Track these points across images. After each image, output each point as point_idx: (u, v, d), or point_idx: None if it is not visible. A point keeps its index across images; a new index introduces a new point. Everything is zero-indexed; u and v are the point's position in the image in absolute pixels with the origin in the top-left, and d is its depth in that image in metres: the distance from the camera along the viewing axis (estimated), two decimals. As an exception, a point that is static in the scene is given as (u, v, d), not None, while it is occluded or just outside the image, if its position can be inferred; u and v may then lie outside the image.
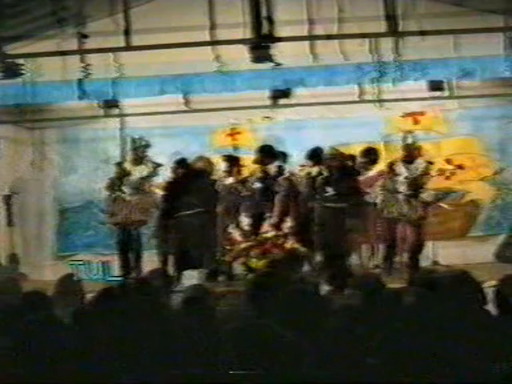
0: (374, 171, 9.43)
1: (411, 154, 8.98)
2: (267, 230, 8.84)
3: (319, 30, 8.03)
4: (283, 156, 9.31)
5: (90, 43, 7.84)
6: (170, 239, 8.92)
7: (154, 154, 9.65)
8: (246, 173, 9.41)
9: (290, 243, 8.70)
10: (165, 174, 9.44)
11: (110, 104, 9.98)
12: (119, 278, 8.53)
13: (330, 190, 8.61)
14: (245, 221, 9.06)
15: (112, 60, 8.43)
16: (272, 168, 9.13)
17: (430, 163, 9.07)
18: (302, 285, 5.14)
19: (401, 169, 8.90)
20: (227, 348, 2.97)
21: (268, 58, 7.62)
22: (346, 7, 8.22)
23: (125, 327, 3.73)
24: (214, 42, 7.83)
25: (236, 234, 9.00)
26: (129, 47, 7.58)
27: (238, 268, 8.95)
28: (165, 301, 5.11)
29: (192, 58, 8.15)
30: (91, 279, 8.57)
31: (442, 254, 9.59)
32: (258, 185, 9.11)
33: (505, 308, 4.26)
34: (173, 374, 3.24)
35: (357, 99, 9.81)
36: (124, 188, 9.48)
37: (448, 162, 10.38)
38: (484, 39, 8.17)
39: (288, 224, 8.86)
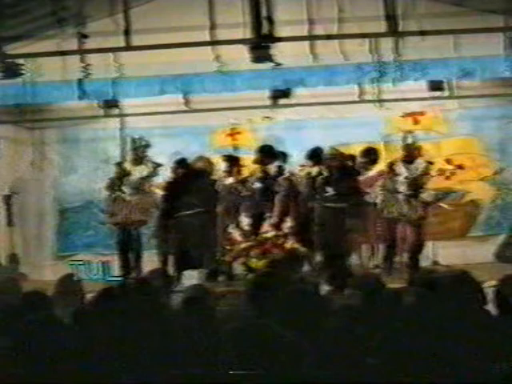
0: (373, 171, 9.43)
1: (411, 154, 8.98)
2: (267, 230, 8.84)
3: (319, 30, 8.03)
4: (283, 156, 9.31)
5: (90, 43, 7.84)
6: (170, 239, 8.92)
7: (154, 154, 9.65)
8: (246, 173, 9.41)
9: (290, 243, 8.70)
10: (165, 174, 9.44)
11: (110, 104, 9.98)
12: (119, 278, 8.53)
13: (330, 190, 8.61)
14: (245, 221, 9.06)
15: (112, 60, 8.43)
16: (272, 168, 9.12)
17: (430, 163, 9.07)
18: (302, 285, 5.14)
19: (401, 169, 8.90)
20: (227, 348, 2.97)
21: (268, 58, 7.62)
22: (346, 7, 8.22)
23: (125, 327, 3.73)
24: (214, 42, 7.82)
25: (236, 234, 9.00)
26: (129, 47, 7.58)
27: (238, 268, 8.94)
28: (165, 301, 5.11)
29: (192, 57, 8.15)
30: (91, 279, 8.57)
31: (442, 253, 9.59)
32: (257, 185, 9.11)
33: (505, 308, 4.26)
34: (173, 373, 3.24)
35: (357, 99, 9.81)
36: (124, 188, 9.48)
37: (448, 162, 10.38)
38: (484, 39, 8.17)
39: (288, 224, 8.86)
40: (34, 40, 8.81)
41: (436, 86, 9.57)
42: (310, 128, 10.50)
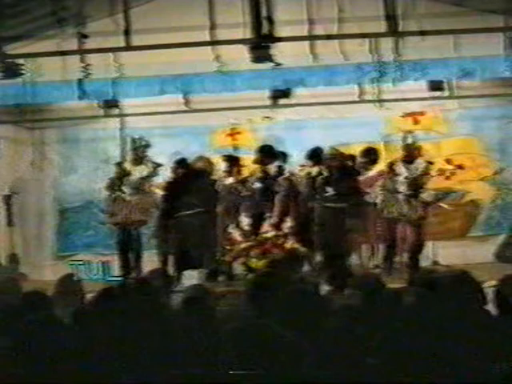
0: (373, 171, 9.43)
1: (411, 154, 8.98)
2: (267, 230, 8.84)
3: (319, 30, 8.03)
4: (283, 156, 9.31)
5: (90, 43, 7.84)
6: (170, 239, 8.92)
7: (154, 154, 9.65)
8: (246, 173, 9.41)
9: (290, 243, 8.70)
10: (165, 174, 9.44)
11: (110, 104, 9.98)
12: (119, 278, 8.53)
13: (330, 190, 8.61)
14: (245, 221, 9.06)
15: (112, 60, 8.43)
16: (272, 168, 9.12)
17: (430, 163, 9.07)
18: (302, 285, 5.14)
19: (401, 169, 8.90)
20: (227, 348, 2.97)
21: (268, 58, 7.62)
22: (346, 7, 8.22)
23: (125, 327, 3.73)
24: (213, 42, 7.82)
25: (236, 234, 9.00)
26: (129, 47, 7.58)
27: (238, 268, 8.94)
28: (165, 301, 5.11)
29: (192, 57, 8.15)
30: (91, 279, 8.57)
31: (442, 253, 9.59)
32: (257, 185, 9.11)
33: (505, 308, 4.26)
34: (173, 373, 3.24)
35: (357, 99, 9.80)
36: (124, 188, 9.48)
37: (448, 162, 10.38)
38: (484, 39, 8.17)
39: (288, 224, 8.86)
40: (34, 40, 8.81)
41: (436, 85, 9.57)
42: (310, 128, 10.50)
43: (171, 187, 9.04)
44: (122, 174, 9.54)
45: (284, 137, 10.24)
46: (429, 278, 4.93)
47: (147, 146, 9.61)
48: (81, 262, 9.30)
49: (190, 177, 8.91)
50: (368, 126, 10.19)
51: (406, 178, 8.81)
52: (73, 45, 7.94)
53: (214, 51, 8.11)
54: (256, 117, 10.51)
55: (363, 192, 9.03)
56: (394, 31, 7.55)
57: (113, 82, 8.95)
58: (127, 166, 9.65)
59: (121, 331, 3.67)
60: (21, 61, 8.24)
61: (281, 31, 7.36)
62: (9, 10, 8.00)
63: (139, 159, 9.58)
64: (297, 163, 9.43)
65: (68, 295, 5.24)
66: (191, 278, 8.38)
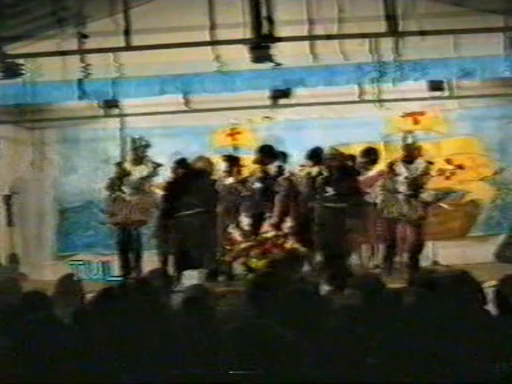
0: (373, 171, 9.43)
1: (411, 154, 8.98)
2: (267, 230, 8.84)
3: (319, 30, 8.03)
4: (283, 156, 9.31)
5: (90, 43, 7.84)
6: (170, 239, 8.92)
7: (154, 154, 9.65)
8: (246, 173, 9.41)
9: (290, 243, 8.70)
10: (165, 174, 9.44)
11: (110, 104, 9.98)
12: (119, 278, 8.53)
13: (330, 190, 8.61)
14: (245, 221, 9.06)
15: (112, 60, 8.43)
16: (272, 168, 9.13)
17: (430, 163, 9.07)
18: (302, 285, 5.14)
19: (401, 169, 8.90)
20: (227, 348, 2.97)
21: (268, 58, 7.62)
22: (346, 7, 8.23)
23: (125, 327, 3.73)
24: (214, 42, 7.83)
25: (236, 234, 9.00)
26: (129, 47, 7.58)
27: (238, 268, 8.95)
28: (165, 301, 5.11)
29: (192, 57, 8.15)
30: (91, 279, 8.57)
31: (442, 253, 9.59)
32: (257, 185, 9.11)
33: (505, 308, 4.26)
34: (173, 373, 3.24)
35: (357, 99, 9.81)
36: (124, 188, 9.48)
37: (448, 162, 10.38)
38: (484, 39, 8.17)
39: (288, 224, 8.86)
40: (34, 40, 8.81)
41: (436, 85, 9.57)
42: (310, 128, 10.50)
43: (171, 187, 9.04)
44: (122, 174, 9.54)
45: (284, 137, 10.25)
46: (429, 277, 4.93)
47: (147, 145, 9.61)
48: (81, 262, 9.30)
49: (190, 177, 8.91)
50: (368, 125, 10.19)
51: (405, 177, 8.81)
52: (73, 45, 7.94)
53: (214, 51, 8.11)
54: (256, 117, 10.51)
55: (363, 192, 9.03)
56: (394, 31, 7.55)
57: (113, 82, 8.95)
58: (127, 166, 9.65)
59: (121, 331, 3.67)
60: (21, 61, 8.24)
61: (281, 31, 7.36)
62: (9, 9, 8.01)
63: (139, 159, 9.58)
64: (297, 163, 9.43)
65: (68, 295, 5.24)
66: (191, 277, 8.38)
